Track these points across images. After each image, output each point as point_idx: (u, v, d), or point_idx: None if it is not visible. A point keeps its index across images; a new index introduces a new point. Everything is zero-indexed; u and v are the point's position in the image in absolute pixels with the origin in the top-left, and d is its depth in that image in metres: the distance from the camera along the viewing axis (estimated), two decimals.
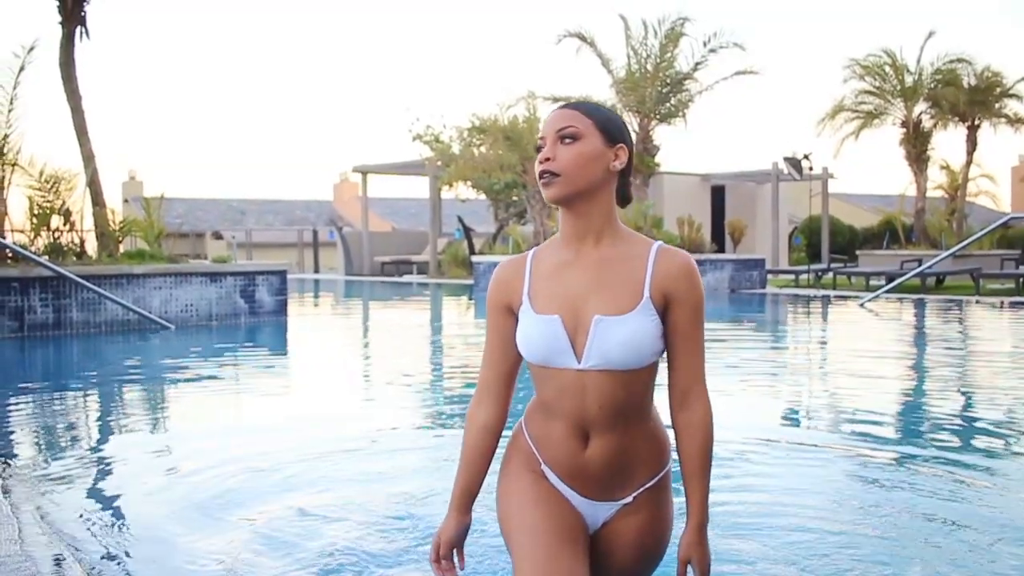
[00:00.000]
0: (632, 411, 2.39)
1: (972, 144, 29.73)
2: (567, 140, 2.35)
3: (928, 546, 3.91)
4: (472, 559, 3.16)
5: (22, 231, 13.85)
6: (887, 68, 29.01)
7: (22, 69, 13.62)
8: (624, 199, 2.47)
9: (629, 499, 2.45)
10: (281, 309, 14.78)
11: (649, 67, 23.82)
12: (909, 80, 28.79)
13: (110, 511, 4.54)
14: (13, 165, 13.50)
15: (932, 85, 28.78)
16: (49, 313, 12.34)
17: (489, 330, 2.56)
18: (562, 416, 2.40)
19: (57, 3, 14.43)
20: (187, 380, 9.08)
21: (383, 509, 4.38)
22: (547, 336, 2.36)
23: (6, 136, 13.37)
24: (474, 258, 24.17)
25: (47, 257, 13.07)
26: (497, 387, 2.55)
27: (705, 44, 23.95)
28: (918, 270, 19.96)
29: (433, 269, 29.12)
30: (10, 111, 13.52)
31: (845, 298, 19.31)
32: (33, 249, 13.24)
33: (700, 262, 21.61)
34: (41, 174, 13.84)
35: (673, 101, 24.23)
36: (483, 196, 28.46)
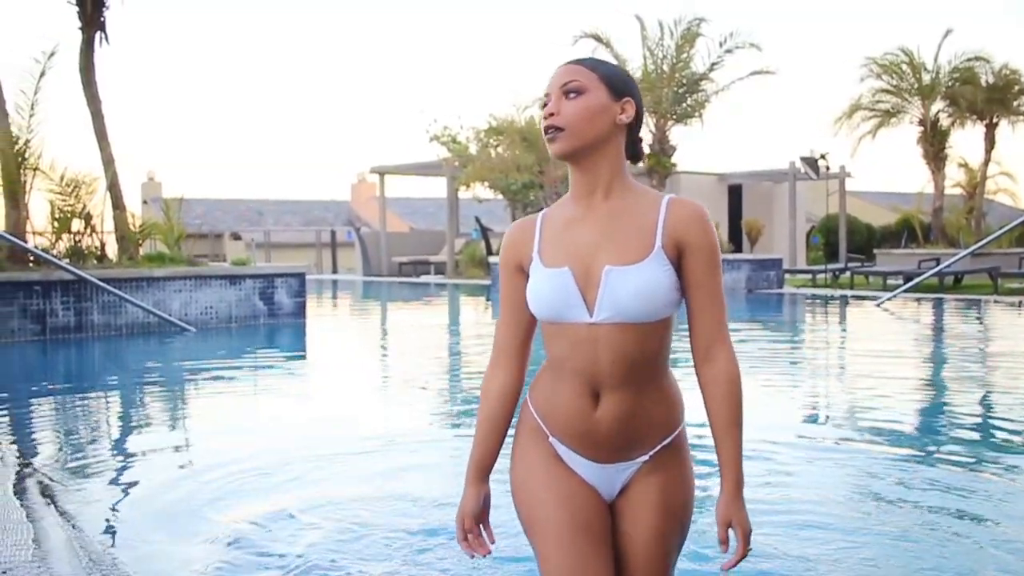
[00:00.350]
0: (646, 369, 2.32)
1: (990, 142, 29.64)
2: (571, 94, 2.31)
3: (945, 545, 3.94)
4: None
5: (44, 235, 14.01)
6: (904, 66, 28.97)
7: (43, 75, 13.76)
8: (635, 156, 2.42)
9: (647, 456, 2.37)
10: (300, 311, 14.88)
11: (665, 68, 23.85)
12: (926, 78, 28.74)
13: (126, 516, 4.59)
14: (35, 170, 13.63)
15: (949, 83, 28.72)
16: (71, 316, 12.46)
17: (503, 294, 2.51)
18: (572, 374, 2.33)
19: (77, 9, 14.57)
20: (206, 382, 9.17)
21: (394, 512, 4.44)
22: (557, 289, 2.30)
23: (28, 141, 13.50)
24: (491, 258, 24.23)
25: (68, 260, 13.20)
26: (513, 351, 2.51)
27: (721, 44, 23.97)
28: (935, 269, 19.89)
29: (451, 269, 29.20)
30: (31, 116, 13.66)
31: (862, 298, 19.28)
32: (54, 253, 13.38)
33: None
34: (62, 178, 13.98)
35: (689, 101, 24.25)
36: (500, 196, 28.51)
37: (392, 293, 23.96)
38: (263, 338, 12.96)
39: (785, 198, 31.20)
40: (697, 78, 24.15)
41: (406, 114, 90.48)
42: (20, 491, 4.74)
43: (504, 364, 2.51)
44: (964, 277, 22.19)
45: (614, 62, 2.45)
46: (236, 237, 41.14)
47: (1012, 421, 6.96)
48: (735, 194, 32.91)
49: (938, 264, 20.49)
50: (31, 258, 12.90)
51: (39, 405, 7.82)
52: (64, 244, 13.80)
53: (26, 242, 13.14)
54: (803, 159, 26.69)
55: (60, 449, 6.17)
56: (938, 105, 28.97)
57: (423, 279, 28.92)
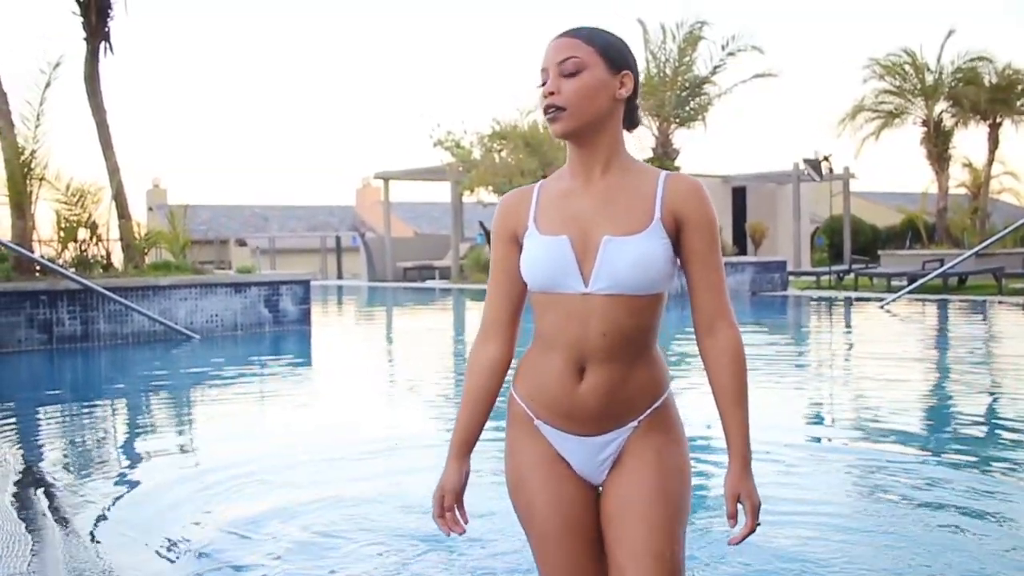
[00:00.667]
0: (635, 343, 2.30)
1: (994, 142, 29.65)
2: (570, 72, 2.28)
3: (949, 549, 3.97)
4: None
5: (50, 244, 14.08)
6: (907, 67, 28.99)
7: (48, 85, 13.84)
8: (632, 123, 2.40)
9: (636, 422, 2.35)
10: (304, 318, 14.93)
11: (668, 71, 23.92)
12: (929, 79, 28.76)
13: (125, 522, 4.61)
14: (41, 179, 13.70)
15: (953, 84, 28.73)
16: (77, 325, 12.53)
17: (494, 264, 2.48)
18: (561, 347, 2.31)
19: (82, 20, 14.64)
20: (211, 390, 9.23)
21: (392, 517, 4.48)
22: (554, 258, 2.28)
23: (33, 151, 13.58)
24: None
25: (74, 270, 13.27)
26: (503, 324, 2.46)
27: (723, 47, 24.04)
28: (940, 270, 19.88)
29: (455, 274, 29.25)
30: (37, 127, 13.74)
31: (866, 300, 19.30)
32: (61, 262, 13.45)
33: None
34: (68, 188, 14.05)
35: (692, 104, 24.30)
36: None
37: (397, 298, 24.03)
38: (268, 345, 13.02)
39: (789, 200, 31.22)
40: (700, 81, 24.21)
41: (410, 119, 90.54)
42: (20, 498, 4.79)
43: (494, 337, 2.47)
44: (968, 278, 22.17)
45: (611, 31, 2.39)
46: (241, 243, 41.26)
47: (1019, 421, 6.99)
48: (739, 196, 32.94)
49: (942, 265, 20.48)
50: (37, 268, 12.97)
51: (45, 413, 7.88)
52: (70, 253, 13.87)
53: (32, 252, 13.22)
54: (806, 161, 26.71)
55: (63, 456, 6.23)
56: (941, 105, 28.98)
57: (428, 284, 28.98)
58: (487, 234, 28.74)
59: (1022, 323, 15.26)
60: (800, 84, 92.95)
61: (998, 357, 10.96)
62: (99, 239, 14.22)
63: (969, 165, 32.49)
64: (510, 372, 2.48)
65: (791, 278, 24.56)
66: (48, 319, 12.34)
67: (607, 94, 2.29)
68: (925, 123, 28.94)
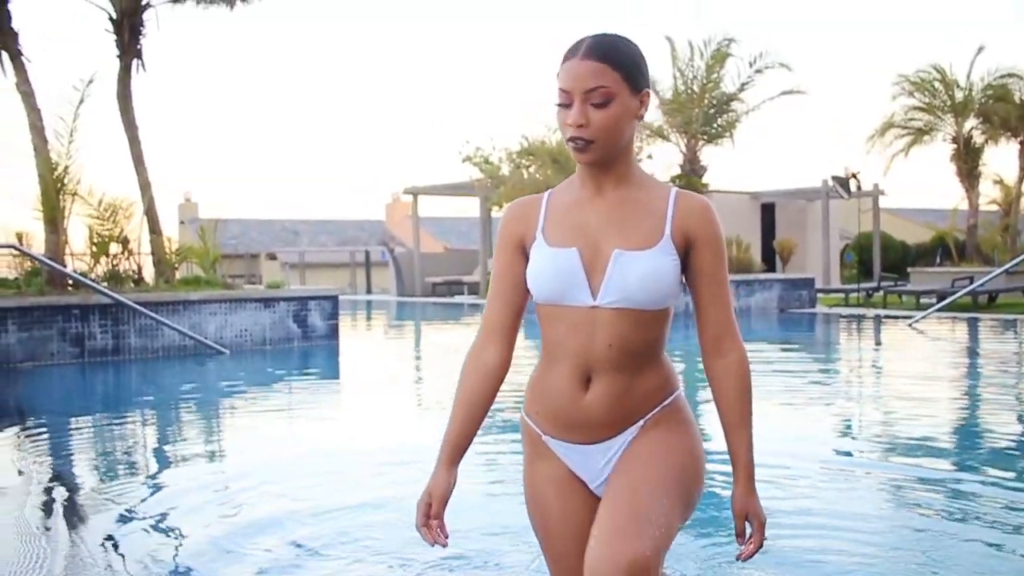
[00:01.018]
0: (643, 354, 2.30)
1: None
2: (598, 103, 2.22)
3: (986, 569, 3.99)
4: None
5: (82, 259, 14.27)
6: (937, 84, 28.85)
7: (81, 102, 14.02)
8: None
9: (641, 422, 2.34)
10: (333, 333, 15.04)
11: (695, 88, 23.90)
12: (959, 96, 28.61)
13: (152, 541, 4.66)
14: (73, 195, 13.89)
15: (983, 100, 28.57)
16: (108, 339, 12.70)
17: (498, 270, 2.44)
18: (566, 357, 2.31)
19: (115, 38, 14.87)
20: (239, 404, 9.34)
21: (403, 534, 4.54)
22: (562, 270, 2.27)
23: (67, 167, 13.76)
24: None
25: (106, 284, 13.44)
26: (503, 331, 2.43)
27: (751, 64, 23.98)
28: (969, 288, 19.72)
29: (483, 289, 29.32)
30: (70, 143, 13.91)
31: (894, 317, 19.22)
32: (93, 276, 13.63)
33: (748, 282, 21.64)
34: (100, 203, 14.23)
35: (720, 121, 24.27)
36: None
37: (425, 313, 24.12)
38: (297, 360, 13.13)
39: (819, 216, 31.12)
40: (727, 98, 24.19)
41: (440, 134, 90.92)
42: (45, 508, 4.88)
43: (493, 342, 2.44)
44: (999, 296, 22.03)
45: (631, 44, 2.31)
46: (272, 257, 41.53)
47: None
48: (768, 212, 32.86)
49: (972, 282, 20.35)
50: (70, 282, 13.15)
51: (75, 425, 8.01)
52: (102, 268, 14.05)
53: (65, 266, 13.40)
54: (834, 178, 26.63)
55: (91, 467, 6.33)
56: (971, 122, 28.82)
57: (456, 299, 29.08)
58: None
59: None
60: (829, 100, 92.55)
61: None
62: (130, 254, 14.40)
63: (1000, 182, 32.26)
64: (520, 395, 2.49)
65: (819, 295, 24.48)
66: (80, 333, 12.51)
67: (631, 117, 2.27)
68: (955, 140, 28.79)
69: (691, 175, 24.02)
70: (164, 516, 5.06)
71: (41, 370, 11.77)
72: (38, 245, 13.71)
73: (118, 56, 14.93)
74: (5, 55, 13.50)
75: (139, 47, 15.00)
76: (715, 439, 5.31)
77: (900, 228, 40.47)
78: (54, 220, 13.52)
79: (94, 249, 14.05)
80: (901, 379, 10.55)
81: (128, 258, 14.37)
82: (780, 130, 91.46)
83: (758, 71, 24.05)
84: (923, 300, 21.57)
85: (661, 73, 24.82)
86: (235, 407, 9.27)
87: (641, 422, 2.35)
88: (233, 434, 8.08)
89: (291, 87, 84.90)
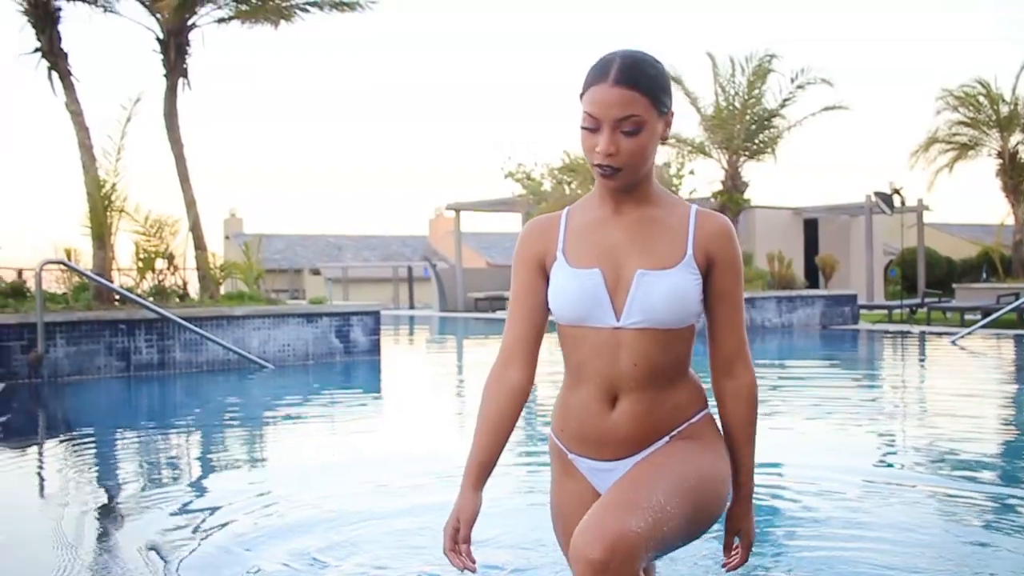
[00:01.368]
0: (668, 372, 2.30)
1: None
2: (629, 131, 2.20)
3: None
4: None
5: (128, 274, 14.50)
6: (981, 98, 28.65)
7: (128, 120, 14.27)
8: None
9: (667, 438, 2.34)
10: (375, 348, 15.15)
11: (737, 104, 23.88)
12: (1004, 110, 28.38)
13: (187, 553, 4.70)
14: (120, 212, 14.11)
15: None
16: (154, 353, 12.89)
17: (517, 290, 2.42)
18: (591, 377, 2.30)
19: (161, 57, 15.13)
20: (281, 419, 9.45)
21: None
22: (586, 291, 2.25)
23: (114, 185, 13.99)
24: None
25: (152, 299, 13.64)
26: (524, 349, 2.41)
27: (792, 80, 23.92)
28: (1014, 304, 19.48)
29: None
30: (117, 160, 14.16)
31: (939, 334, 19.05)
32: (139, 292, 13.85)
33: (791, 298, 21.55)
34: (146, 220, 14.47)
35: (762, 137, 24.22)
36: None
37: (467, 329, 24.22)
38: (339, 375, 13.26)
39: (862, 232, 30.93)
40: (769, 114, 24.15)
41: (483, 150, 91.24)
42: (87, 518, 4.98)
43: (515, 362, 2.42)
44: None
45: (657, 64, 2.29)
46: (316, 272, 41.87)
47: None
48: (811, 228, 32.70)
49: (1018, 299, 20.14)
50: (117, 297, 13.37)
51: (122, 437, 8.16)
52: (148, 283, 14.28)
53: (112, 282, 13.62)
54: (877, 194, 26.48)
55: (135, 479, 6.44)
56: (1017, 137, 28.58)
57: (498, 315, 29.15)
58: None
59: None
60: (873, 114, 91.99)
61: None
62: (176, 269, 14.63)
63: None
64: (547, 414, 2.57)
65: (862, 311, 24.30)
66: (126, 347, 12.71)
67: (657, 140, 2.27)
68: (1000, 155, 28.56)
69: (733, 191, 23.99)
70: (202, 522, 5.15)
71: (88, 383, 11.97)
72: (86, 261, 13.95)
73: (164, 75, 15.19)
74: (55, 75, 13.78)
75: (185, 66, 15.25)
76: None
77: (945, 243, 40.11)
78: (101, 236, 13.75)
79: (140, 265, 14.28)
80: (942, 396, 10.48)
81: (174, 273, 14.59)
82: (823, 145, 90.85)
83: (800, 87, 23.99)
84: (967, 317, 21.36)
85: (703, 89, 24.86)
86: (276, 421, 9.38)
87: (667, 437, 2.35)
88: (274, 448, 8.18)
89: (335, 104, 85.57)
